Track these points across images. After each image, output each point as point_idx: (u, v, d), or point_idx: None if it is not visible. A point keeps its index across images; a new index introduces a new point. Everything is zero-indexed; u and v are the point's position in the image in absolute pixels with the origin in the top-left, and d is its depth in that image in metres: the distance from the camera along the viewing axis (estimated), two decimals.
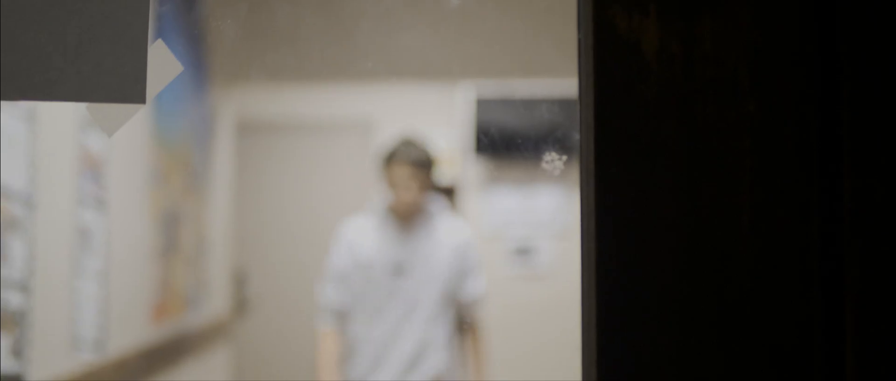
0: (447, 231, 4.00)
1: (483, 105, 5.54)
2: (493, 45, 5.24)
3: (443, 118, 5.89)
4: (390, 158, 3.93)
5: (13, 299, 3.06)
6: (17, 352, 3.04)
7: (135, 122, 3.57)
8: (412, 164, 3.91)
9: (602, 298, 0.70)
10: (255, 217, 6.11)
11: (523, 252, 5.65)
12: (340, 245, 3.94)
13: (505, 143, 5.49)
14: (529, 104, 5.46)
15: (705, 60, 0.72)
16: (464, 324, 4.06)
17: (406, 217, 3.93)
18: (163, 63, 0.78)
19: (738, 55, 0.72)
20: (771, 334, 0.71)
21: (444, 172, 5.94)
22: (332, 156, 6.19)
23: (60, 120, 3.40)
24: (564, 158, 1.53)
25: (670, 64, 0.72)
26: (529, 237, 5.66)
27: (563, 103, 5.34)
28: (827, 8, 0.72)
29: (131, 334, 3.93)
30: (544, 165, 1.51)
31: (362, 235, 3.94)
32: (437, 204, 4.04)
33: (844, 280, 0.70)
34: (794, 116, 0.71)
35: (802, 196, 0.71)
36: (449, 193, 5.89)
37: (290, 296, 6.13)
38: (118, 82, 0.73)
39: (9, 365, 3.01)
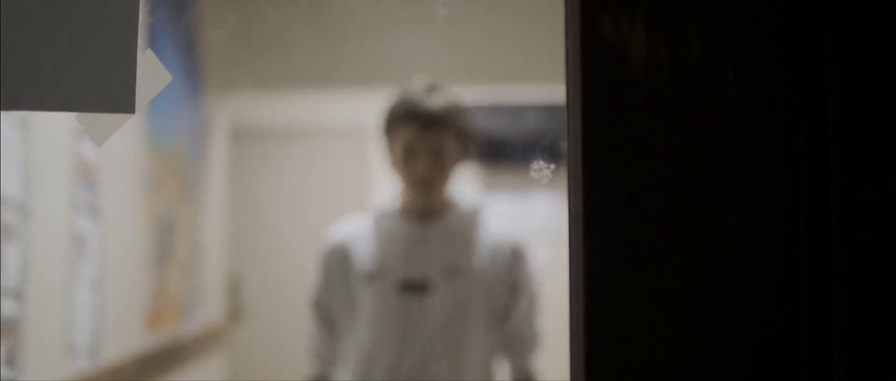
0: (487, 232, 2.74)
1: (475, 112, 5.55)
2: (484, 52, 5.25)
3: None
4: (393, 120, 2.66)
5: (7, 307, 3.06)
6: (11, 360, 3.04)
7: (129, 129, 3.57)
8: (427, 124, 2.61)
9: (590, 303, 0.70)
10: (249, 224, 6.12)
11: None
12: (328, 261, 2.76)
13: (496, 149, 5.50)
14: (521, 110, 5.47)
15: (692, 66, 0.73)
16: (516, 373, 2.74)
17: (425, 212, 2.67)
18: (152, 72, 0.78)
19: (726, 60, 0.72)
20: (759, 335, 0.71)
21: None
22: (327, 162, 6.19)
23: (54, 127, 3.40)
24: (552, 166, 1.54)
25: (657, 69, 0.73)
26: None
27: (553, 110, 5.35)
28: (815, 12, 0.72)
29: (126, 341, 3.93)
30: (532, 173, 1.52)
31: (362, 241, 2.73)
32: (469, 190, 2.80)
33: (831, 282, 0.71)
34: (781, 120, 0.72)
35: (790, 200, 0.72)
36: None
37: (285, 303, 6.13)
38: (108, 92, 0.73)
39: (3, 373, 3.01)
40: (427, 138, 2.61)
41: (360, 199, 5.77)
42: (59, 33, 0.71)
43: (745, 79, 0.72)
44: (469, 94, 5.76)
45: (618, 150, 0.72)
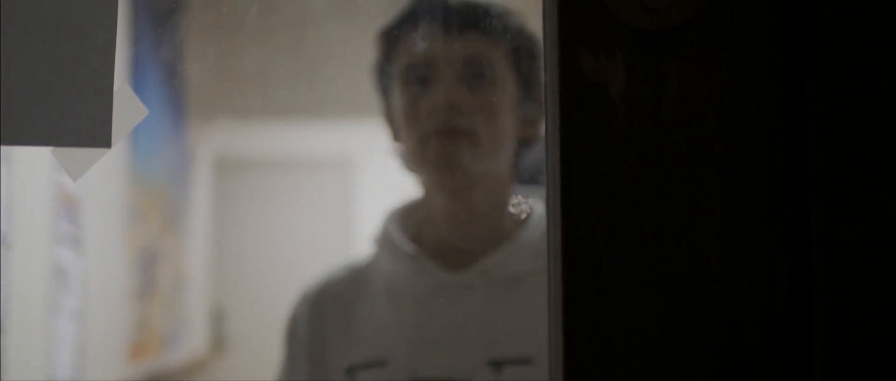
0: None
1: None
2: None
3: None
4: (399, 26, 1.55)
5: None
6: None
7: (111, 160, 3.56)
8: (466, 23, 1.51)
9: (570, 343, 0.70)
10: (233, 255, 6.10)
11: None
12: (296, 336, 1.64)
13: None
14: None
15: (672, 102, 0.73)
16: None
17: (465, 235, 1.54)
18: (129, 106, 0.78)
19: (706, 97, 0.72)
20: (741, 376, 0.71)
21: None
22: (311, 194, 6.18)
23: (36, 158, 3.39)
24: (530, 201, 1.51)
25: (637, 106, 0.73)
26: None
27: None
28: (795, 50, 0.72)
29: (108, 373, 3.91)
30: (511, 208, 1.50)
31: (350, 304, 1.58)
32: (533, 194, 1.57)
33: (813, 321, 0.71)
34: (760, 157, 0.72)
35: (770, 237, 0.71)
36: None
37: (268, 334, 6.11)
38: (85, 126, 0.73)
39: None
40: (467, 48, 1.49)
41: (344, 229, 5.76)
42: (36, 70, 0.71)
43: (725, 116, 0.72)
44: None
45: (597, 185, 0.72)
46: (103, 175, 3.81)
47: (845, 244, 0.70)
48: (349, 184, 5.92)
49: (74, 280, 3.65)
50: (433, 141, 1.49)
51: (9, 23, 0.71)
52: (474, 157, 1.49)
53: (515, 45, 1.51)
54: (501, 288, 1.47)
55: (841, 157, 0.71)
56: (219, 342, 6.11)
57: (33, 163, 3.33)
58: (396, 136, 1.55)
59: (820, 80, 0.72)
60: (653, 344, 0.70)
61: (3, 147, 3.07)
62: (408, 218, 1.58)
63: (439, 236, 1.53)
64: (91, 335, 3.69)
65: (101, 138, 0.74)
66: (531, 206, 1.53)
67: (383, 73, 1.59)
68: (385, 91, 1.59)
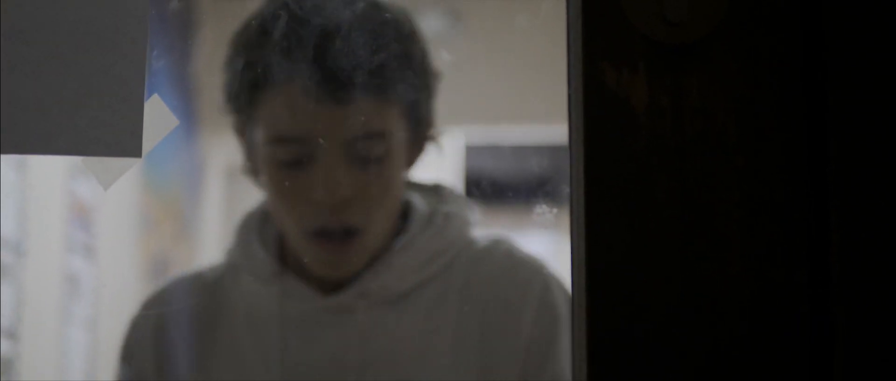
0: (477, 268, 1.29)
1: (473, 151, 5.55)
2: (483, 93, 5.27)
3: (431, 165, 5.89)
4: (255, 74, 1.21)
5: (1, 347, 3.06)
6: None
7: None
8: (337, 89, 1.16)
9: (594, 351, 0.71)
10: None
11: None
12: (152, 366, 1.29)
13: (494, 190, 5.49)
14: (520, 151, 5.48)
15: (694, 114, 0.73)
16: None
17: (341, 264, 1.24)
18: (158, 117, 0.79)
19: (727, 109, 0.73)
20: None
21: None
22: None
23: (50, 167, 3.40)
24: (555, 210, 1.51)
25: (659, 118, 0.74)
26: None
27: (552, 151, 5.36)
28: (815, 61, 0.73)
29: None
30: (535, 216, 1.51)
31: (208, 333, 1.29)
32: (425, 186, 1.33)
33: (835, 331, 0.71)
34: (782, 169, 0.73)
35: (792, 250, 0.72)
36: None
37: None
38: (115, 136, 0.74)
39: None
40: (340, 118, 1.17)
41: None
42: (67, 81, 0.72)
43: (746, 128, 0.73)
44: (466, 134, 5.78)
45: (620, 197, 0.73)
46: (116, 184, 3.83)
47: (866, 256, 0.71)
48: None
49: (87, 288, 3.66)
50: (314, 244, 1.21)
51: (40, 33, 0.72)
52: (363, 252, 1.22)
53: (408, 56, 1.22)
54: (385, 310, 1.23)
55: (862, 167, 0.72)
56: None
57: (47, 172, 3.35)
58: (261, 180, 1.28)
59: (840, 90, 0.73)
60: (675, 352, 0.71)
61: (18, 157, 3.09)
62: (269, 226, 1.30)
63: (309, 252, 1.25)
64: (103, 342, 3.70)
65: (132, 148, 0.75)
66: (411, 204, 1.29)
67: (241, 121, 1.26)
68: (244, 136, 1.27)
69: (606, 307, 0.72)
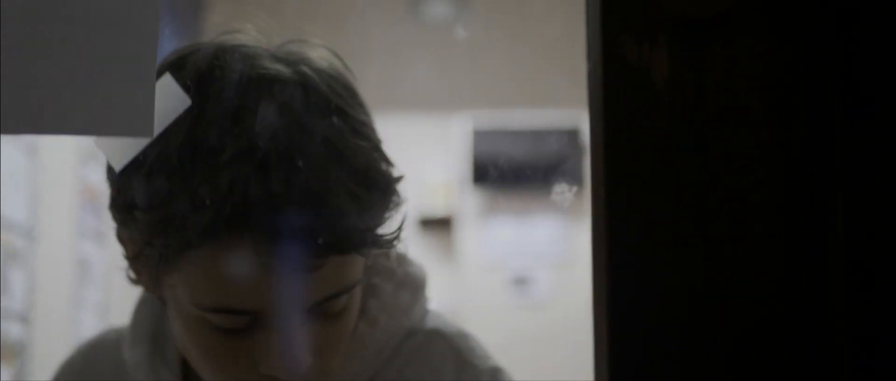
0: None
1: (480, 135, 5.55)
2: (490, 77, 5.25)
3: (439, 149, 5.89)
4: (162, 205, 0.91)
5: (14, 331, 3.06)
6: None
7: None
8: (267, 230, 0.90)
9: (615, 333, 0.69)
10: None
11: (521, 282, 5.63)
12: None
13: (502, 173, 5.48)
14: (527, 135, 5.46)
15: (717, 89, 0.72)
16: None
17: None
18: (170, 97, 0.78)
19: (751, 83, 0.72)
20: (788, 374, 0.70)
21: (439, 203, 5.92)
22: None
23: (61, 153, 3.40)
24: (575, 188, 1.50)
25: (681, 92, 0.72)
26: (527, 268, 5.65)
27: (560, 134, 5.34)
28: (843, 32, 0.72)
29: None
30: (554, 196, 1.49)
31: None
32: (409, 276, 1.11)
33: (873, 314, 0.69)
34: (811, 144, 0.71)
35: (823, 230, 0.71)
36: (445, 224, 5.89)
37: None
38: (126, 116, 0.73)
39: None
40: (308, 284, 0.95)
41: None
42: (78, 61, 0.71)
43: (772, 103, 0.71)
44: (474, 118, 5.76)
45: (642, 173, 0.71)
46: None
47: None
48: None
49: (98, 273, 3.66)
50: None
51: (51, 13, 0.71)
52: None
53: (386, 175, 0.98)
54: None
55: (891, 143, 0.70)
56: None
57: (58, 157, 3.34)
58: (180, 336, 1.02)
59: (868, 63, 0.71)
60: (694, 334, 0.70)
61: (30, 142, 3.09)
62: (168, 342, 1.09)
63: None
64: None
65: (144, 128, 0.74)
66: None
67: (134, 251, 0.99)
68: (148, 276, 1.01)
69: (628, 287, 0.71)
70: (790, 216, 0.71)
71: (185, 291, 0.93)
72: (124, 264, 1.02)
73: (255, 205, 0.86)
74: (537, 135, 5.40)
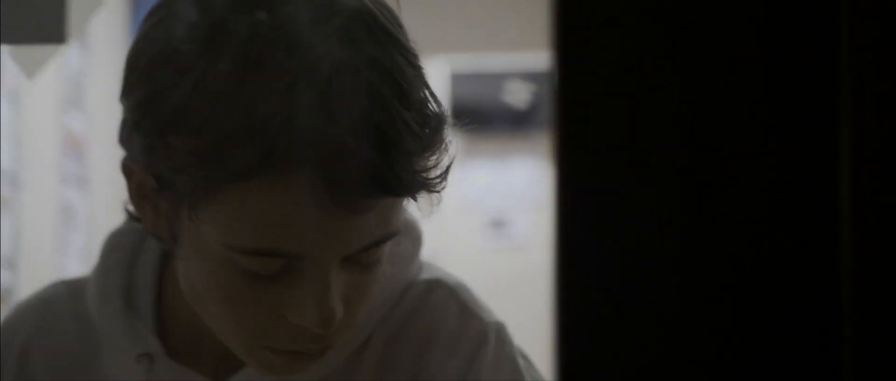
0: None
1: (458, 79, 5.54)
2: (468, 20, 5.26)
3: None
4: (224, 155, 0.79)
5: (1, 276, 3.12)
6: None
7: (115, 99, 3.61)
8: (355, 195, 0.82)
9: (569, 272, 0.64)
10: None
11: (498, 225, 5.64)
12: None
13: (479, 117, 5.49)
14: (505, 78, 5.46)
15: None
16: None
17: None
18: (84, 1, 0.80)
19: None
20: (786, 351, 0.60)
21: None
22: None
23: (43, 101, 3.45)
24: (532, 87, 1.36)
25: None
26: (504, 210, 5.67)
27: (538, 77, 5.35)
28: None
29: None
30: (507, 96, 1.41)
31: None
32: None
33: (880, 299, 0.62)
34: (811, 121, 0.61)
35: (823, 211, 0.57)
36: None
37: None
38: (39, 23, 0.76)
39: None
40: (350, 230, 0.86)
41: None
42: None
43: (771, 77, 0.65)
44: (451, 62, 5.72)
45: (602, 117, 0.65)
46: (108, 116, 3.87)
47: None
48: None
49: (81, 219, 3.71)
50: (267, 355, 0.90)
51: None
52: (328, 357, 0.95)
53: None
54: None
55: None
56: None
57: (40, 106, 3.39)
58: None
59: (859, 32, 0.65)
60: (653, 266, 0.63)
61: (13, 90, 3.13)
62: (152, 285, 1.01)
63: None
64: None
65: (57, 34, 0.76)
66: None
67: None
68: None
69: (586, 241, 0.65)
70: (789, 194, 0.57)
71: (217, 229, 0.84)
72: (109, 204, 0.95)
73: (314, 138, 0.80)
74: (516, 78, 5.40)
